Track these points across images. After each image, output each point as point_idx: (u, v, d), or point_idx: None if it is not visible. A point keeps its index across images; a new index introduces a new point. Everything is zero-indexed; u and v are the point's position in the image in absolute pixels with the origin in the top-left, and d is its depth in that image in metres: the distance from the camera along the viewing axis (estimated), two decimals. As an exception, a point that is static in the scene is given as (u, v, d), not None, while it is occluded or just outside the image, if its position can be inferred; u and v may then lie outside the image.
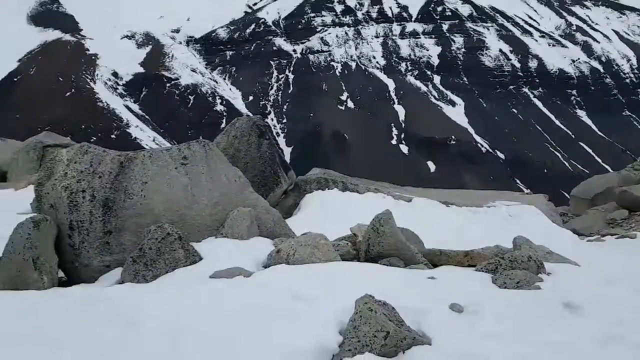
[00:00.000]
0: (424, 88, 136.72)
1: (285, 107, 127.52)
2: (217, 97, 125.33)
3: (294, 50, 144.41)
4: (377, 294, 3.26)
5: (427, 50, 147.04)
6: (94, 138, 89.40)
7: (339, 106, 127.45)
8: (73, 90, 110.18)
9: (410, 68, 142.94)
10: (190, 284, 4.28)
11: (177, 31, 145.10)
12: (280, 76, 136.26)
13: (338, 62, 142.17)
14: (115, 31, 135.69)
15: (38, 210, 5.58)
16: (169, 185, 5.36)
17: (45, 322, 3.73)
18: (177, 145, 5.70)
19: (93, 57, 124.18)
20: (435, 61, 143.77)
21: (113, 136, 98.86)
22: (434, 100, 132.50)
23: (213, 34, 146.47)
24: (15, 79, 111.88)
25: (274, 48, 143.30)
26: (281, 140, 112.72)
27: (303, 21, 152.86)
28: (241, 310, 3.57)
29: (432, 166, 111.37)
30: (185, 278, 4.45)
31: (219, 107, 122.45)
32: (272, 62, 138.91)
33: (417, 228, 6.50)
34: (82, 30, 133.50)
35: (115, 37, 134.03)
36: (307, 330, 3.17)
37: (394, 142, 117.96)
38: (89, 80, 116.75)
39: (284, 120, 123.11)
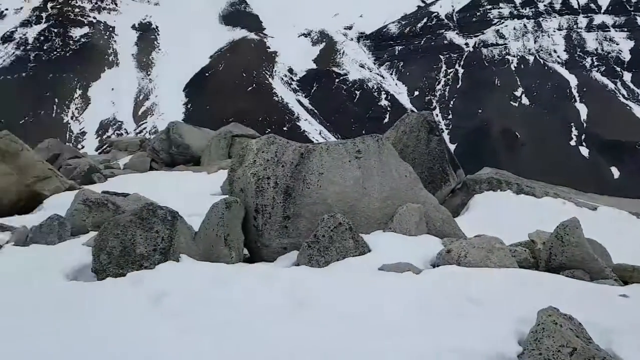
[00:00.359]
0: (611, 86, 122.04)
1: (451, 102, 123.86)
2: (383, 92, 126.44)
3: (466, 44, 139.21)
4: (561, 306, 3.04)
5: (617, 44, 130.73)
6: (269, 130, 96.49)
7: (511, 102, 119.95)
8: (254, 85, 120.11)
9: (596, 64, 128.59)
10: (360, 273, 4.42)
11: (350, 28, 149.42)
12: (449, 71, 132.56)
13: (514, 56, 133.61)
14: (294, 30, 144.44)
15: (229, 193, 6.23)
16: (342, 177, 5.59)
17: (233, 291, 4.18)
18: (352, 139, 5.90)
19: (273, 55, 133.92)
20: (626, 57, 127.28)
21: (285, 128, 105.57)
22: (622, 100, 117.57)
23: (384, 30, 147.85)
24: (206, 74, 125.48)
25: (445, 42, 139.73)
26: (445, 137, 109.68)
27: (478, 14, 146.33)
28: (412, 306, 3.59)
29: (616, 172, 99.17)
30: (355, 267, 4.61)
31: (384, 102, 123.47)
32: (441, 57, 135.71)
33: (603, 240, 5.88)
34: (265, 29, 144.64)
35: (294, 35, 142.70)
36: (482, 335, 3.08)
37: (572, 143, 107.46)
38: (267, 76, 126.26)
39: (450, 116, 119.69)
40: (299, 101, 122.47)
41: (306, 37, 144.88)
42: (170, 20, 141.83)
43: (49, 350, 3.32)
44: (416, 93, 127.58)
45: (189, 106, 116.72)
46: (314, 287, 4.17)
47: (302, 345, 3.26)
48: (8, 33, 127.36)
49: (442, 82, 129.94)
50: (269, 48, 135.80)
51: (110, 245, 5.00)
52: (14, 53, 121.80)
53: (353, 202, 5.56)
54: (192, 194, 9.48)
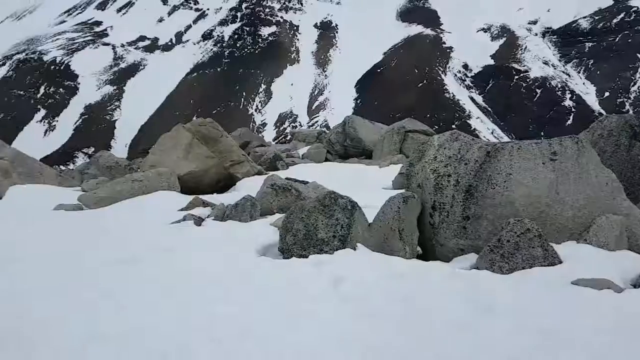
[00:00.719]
0: None
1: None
2: (567, 92, 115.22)
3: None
4: None
5: None
6: (436, 127, 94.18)
7: None
8: (425, 81, 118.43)
9: None
10: (549, 285, 4.08)
11: (535, 22, 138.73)
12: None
13: None
14: (473, 25, 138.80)
15: (406, 188, 6.23)
16: (533, 180, 5.21)
17: (409, 286, 4.16)
18: (548, 139, 5.48)
19: (448, 50, 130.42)
20: None
21: (453, 126, 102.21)
22: None
23: (573, 25, 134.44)
24: (378, 70, 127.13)
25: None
26: None
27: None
28: (613, 329, 3.22)
29: None
30: (544, 278, 4.27)
31: (568, 103, 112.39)
32: (639, 55, 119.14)
33: None
34: (442, 24, 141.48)
35: (472, 30, 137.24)
36: None
37: None
38: (440, 72, 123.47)
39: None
40: (471, 98, 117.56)
41: (485, 32, 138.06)
42: (350, 18, 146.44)
43: (233, 313, 3.67)
44: (606, 94, 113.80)
45: (358, 101, 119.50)
46: (498, 293, 3.97)
47: (484, 352, 3.13)
48: (208, 31, 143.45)
49: (639, 84, 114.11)
50: (444, 43, 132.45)
51: (295, 227, 5.36)
52: (211, 49, 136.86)
53: (543, 208, 5.15)
54: (364, 186, 9.71)
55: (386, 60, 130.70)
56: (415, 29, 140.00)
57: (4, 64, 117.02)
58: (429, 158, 5.83)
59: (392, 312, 3.68)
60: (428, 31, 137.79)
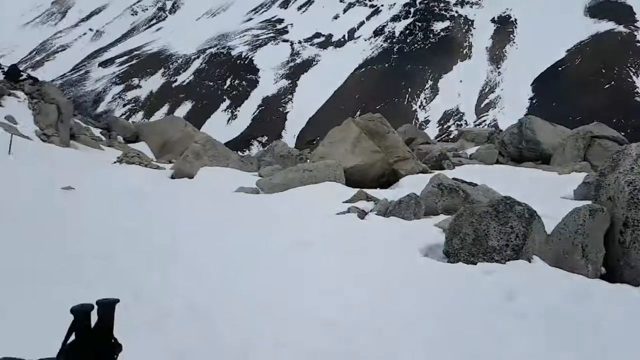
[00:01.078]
0: None
1: None
2: None
3: None
4: None
5: None
6: (623, 133, 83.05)
7: None
8: (613, 82, 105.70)
9: None
10: None
11: None
12: None
13: None
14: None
15: (593, 200, 5.62)
16: None
17: (593, 309, 3.74)
18: None
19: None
20: None
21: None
22: None
23: None
24: (559, 68, 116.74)
25: None
26: None
27: None
28: None
29: None
30: None
31: None
32: None
33: None
34: (637, 21, 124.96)
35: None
36: None
37: None
38: (631, 74, 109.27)
39: None
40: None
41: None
42: (531, 13, 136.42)
43: (398, 311, 3.63)
44: None
45: (534, 101, 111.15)
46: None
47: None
48: (380, 27, 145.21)
49: None
50: (639, 42, 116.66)
51: (464, 231, 5.15)
52: (381, 45, 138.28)
53: None
54: (540, 193, 8.98)
55: (569, 58, 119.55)
56: (606, 25, 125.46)
57: (198, 57, 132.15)
58: (625, 169, 5.20)
59: (580, 339, 3.33)
60: (620, 28, 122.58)
